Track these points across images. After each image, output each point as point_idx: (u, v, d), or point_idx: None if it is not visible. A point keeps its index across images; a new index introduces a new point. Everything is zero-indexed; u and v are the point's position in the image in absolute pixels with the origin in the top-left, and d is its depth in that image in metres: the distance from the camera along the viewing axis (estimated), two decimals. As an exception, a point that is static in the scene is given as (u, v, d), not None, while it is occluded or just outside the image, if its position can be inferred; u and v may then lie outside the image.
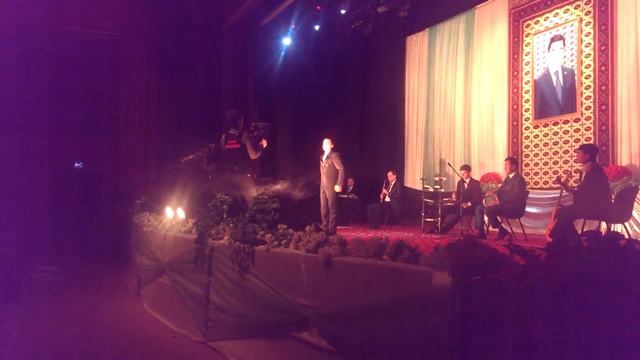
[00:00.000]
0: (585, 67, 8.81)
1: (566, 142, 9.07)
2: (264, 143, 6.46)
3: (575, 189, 6.51)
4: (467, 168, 9.09)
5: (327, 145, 8.18)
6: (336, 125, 12.87)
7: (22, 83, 10.32)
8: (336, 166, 7.98)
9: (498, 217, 7.71)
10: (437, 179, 9.80)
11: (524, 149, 9.86)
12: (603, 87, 8.50)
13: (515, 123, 10.07)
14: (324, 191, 8.15)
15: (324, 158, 8.17)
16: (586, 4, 8.83)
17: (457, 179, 9.09)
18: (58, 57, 10.99)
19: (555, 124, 9.30)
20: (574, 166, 8.72)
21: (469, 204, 8.36)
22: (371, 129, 13.75)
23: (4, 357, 4.24)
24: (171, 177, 7.44)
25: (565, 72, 9.17)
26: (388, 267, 2.63)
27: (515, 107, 10.09)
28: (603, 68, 8.51)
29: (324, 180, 8.14)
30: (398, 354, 2.44)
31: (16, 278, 5.83)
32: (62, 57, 11.08)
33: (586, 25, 8.82)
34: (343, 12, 11.39)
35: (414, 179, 12.38)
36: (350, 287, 2.84)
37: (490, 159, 10.50)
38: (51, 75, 10.72)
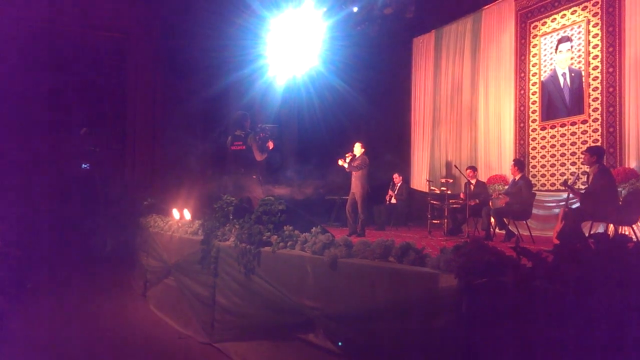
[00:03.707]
0: (593, 69, 8.76)
1: (573, 143, 9.03)
2: (271, 145, 6.46)
3: (582, 192, 6.47)
4: (473, 169, 9.05)
5: (358, 148, 8.35)
6: (342, 127, 12.89)
7: (26, 84, 10.36)
8: (358, 166, 8.16)
9: (505, 219, 7.67)
10: (443, 180, 9.77)
11: (530, 151, 9.82)
12: (611, 89, 8.45)
13: (522, 125, 10.04)
14: (353, 193, 8.29)
15: (354, 160, 8.33)
16: (593, 5, 8.79)
17: (464, 180, 9.07)
18: (62, 58, 11.04)
19: (563, 125, 9.26)
20: (581, 168, 8.68)
21: (477, 201, 8.34)
22: (377, 130, 13.74)
23: (7, 357, 4.25)
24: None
25: (573, 74, 9.12)
26: (394, 269, 2.63)
27: (522, 108, 10.06)
28: (611, 69, 8.46)
29: (353, 181, 8.29)
30: (404, 356, 2.44)
31: (20, 278, 5.85)
32: (66, 57, 11.12)
33: (594, 26, 8.78)
34: (355, 9, 11.35)
35: (420, 181, 12.35)
36: (356, 289, 2.84)
37: (497, 160, 10.46)
38: (55, 76, 10.76)
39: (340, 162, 8.45)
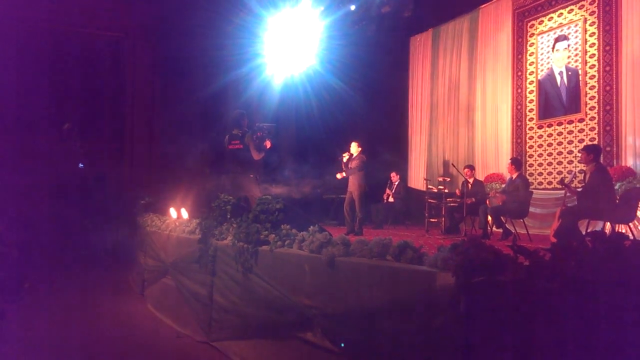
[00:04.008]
0: (590, 67, 8.78)
1: (570, 142, 9.05)
2: (268, 144, 6.45)
3: (579, 190, 6.48)
4: (470, 167, 9.07)
5: (354, 148, 8.34)
6: (339, 126, 12.88)
7: (24, 83, 10.34)
8: (358, 167, 8.15)
9: (502, 218, 7.68)
10: (440, 179, 9.78)
11: (528, 149, 9.84)
12: (607, 87, 8.47)
13: (519, 123, 10.05)
14: (350, 192, 8.27)
15: (351, 160, 8.30)
16: (590, 4, 8.81)
17: (461, 179, 9.08)
18: (61, 58, 11.02)
19: (560, 124, 9.28)
20: (578, 166, 8.70)
21: (473, 199, 8.36)
22: (374, 129, 13.73)
23: (4, 357, 4.25)
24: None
25: (570, 72, 9.14)
26: (392, 268, 2.63)
27: (519, 107, 10.08)
28: (607, 68, 8.48)
29: (351, 180, 8.28)
30: (401, 354, 2.44)
31: (18, 278, 5.84)
32: (65, 57, 11.10)
33: (590, 25, 8.79)
34: (353, 7, 11.35)
35: (417, 179, 12.36)
36: (353, 288, 2.84)
37: (494, 159, 10.48)
38: (54, 76, 10.74)
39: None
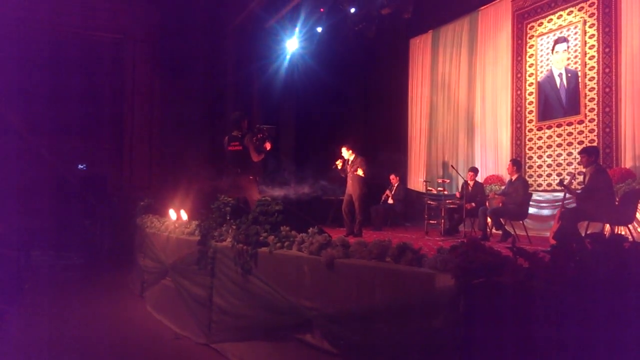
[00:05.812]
0: (589, 69, 8.79)
1: (570, 144, 9.05)
2: (268, 146, 6.43)
3: (579, 192, 6.48)
4: (474, 170, 9.04)
5: (346, 152, 8.37)
6: (340, 128, 12.90)
7: (25, 84, 10.35)
8: (360, 172, 8.18)
9: (501, 219, 7.68)
10: (440, 181, 9.77)
11: (527, 151, 9.84)
12: (607, 89, 8.47)
13: (518, 125, 10.06)
14: (349, 194, 8.32)
15: (348, 164, 8.35)
16: (590, 5, 8.82)
17: (461, 181, 9.07)
18: (61, 59, 11.04)
19: (559, 126, 9.28)
20: (577, 168, 8.70)
21: (473, 204, 8.36)
22: (374, 131, 13.75)
23: (4, 357, 4.24)
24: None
25: (569, 74, 9.15)
26: (391, 270, 2.63)
27: (518, 109, 10.08)
28: (607, 70, 8.49)
29: (350, 183, 8.32)
30: (401, 356, 2.44)
31: (18, 279, 5.84)
32: (65, 58, 11.12)
33: (590, 27, 8.80)
34: (353, 10, 11.36)
35: (417, 181, 12.36)
36: (353, 289, 2.84)
37: (494, 160, 10.48)
38: (54, 76, 10.76)
39: (339, 161, 8.45)
